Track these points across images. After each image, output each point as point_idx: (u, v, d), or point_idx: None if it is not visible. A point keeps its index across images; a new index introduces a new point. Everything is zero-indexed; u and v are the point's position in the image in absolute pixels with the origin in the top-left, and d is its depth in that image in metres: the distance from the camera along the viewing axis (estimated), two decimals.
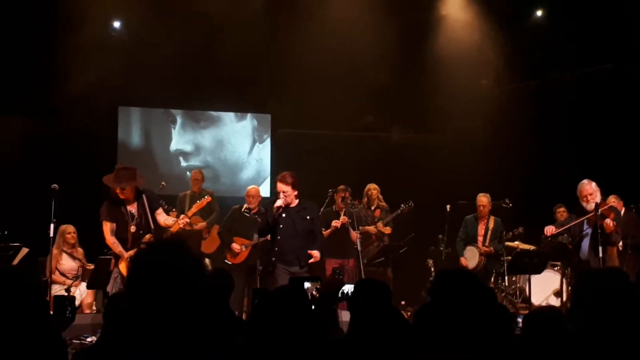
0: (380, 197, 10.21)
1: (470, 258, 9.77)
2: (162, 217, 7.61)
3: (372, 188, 10.18)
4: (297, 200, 7.61)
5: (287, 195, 7.49)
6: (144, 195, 7.52)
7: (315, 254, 7.52)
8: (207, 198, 8.44)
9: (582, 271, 3.29)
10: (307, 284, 5.40)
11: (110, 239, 7.39)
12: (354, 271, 9.18)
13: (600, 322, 2.74)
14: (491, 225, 9.81)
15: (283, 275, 7.39)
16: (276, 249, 7.53)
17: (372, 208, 10.15)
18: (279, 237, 7.56)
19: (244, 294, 9.01)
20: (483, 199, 9.85)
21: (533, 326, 3.54)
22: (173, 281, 2.15)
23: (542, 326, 3.49)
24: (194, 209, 8.42)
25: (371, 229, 9.95)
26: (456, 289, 2.91)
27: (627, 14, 10.20)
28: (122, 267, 7.37)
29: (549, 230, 8.30)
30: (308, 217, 7.66)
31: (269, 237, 7.78)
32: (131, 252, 7.27)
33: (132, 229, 7.40)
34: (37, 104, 10.68)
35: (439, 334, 2.92)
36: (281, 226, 7.54)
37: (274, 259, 7.51)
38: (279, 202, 7.47)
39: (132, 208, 7.46)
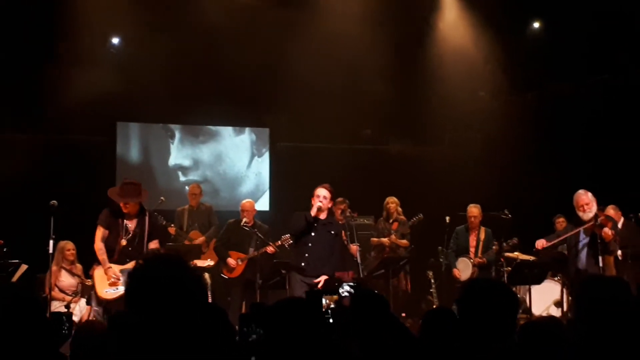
0: (400, 210, 10.30)
1: (463, 269, 9.76)
2: (153, 247, 7.55)
3: (391, 202, 10.30)
4: (325, 214, 7.86)
5: (326, 201, 7.77)
6: (147, 218, 7.51)
7: (321, 279, 7.69)
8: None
9: (584, 279, 3.26)
10: (324, 299, 5.32)
11: (98, 245, 7.41)
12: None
13: (602, 331, 2.73)
14: (482, 236, 9.83)
15: (299, 285, 7.64)
16: (307, 255, 7.73)
17: (391, 221, 10.23)
18: (310, 245, 7.78)
19: (241, 308, 9.00)
20: (474, 210, 9.87)
21: (530, 336, 3.52)
22: (171, 295, 2.15)
23: (539, 336, 3.48)
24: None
25: (385, 240, 10.09)
26: (488, 298, 2.90)
27: (624, 24, 10.22)
28: (97, 274, 7.42)
29: (540, 243, 8.31)
30: (332, 232, 7.91)
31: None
32: (114, 266, 7.33)
33: (123, 242, 7.40)
34: (35, 120, 10.71)
35: (459, 342, 2.90)
36: (313, 234, 7.78)
37: (303, 264, 7.71)
38: (318, 204, 7.72)
39: (130, 223, 7.45)
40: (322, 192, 7.81)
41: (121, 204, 7.35)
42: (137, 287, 2.22)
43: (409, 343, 3.65)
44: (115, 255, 7.41)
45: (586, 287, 2.98)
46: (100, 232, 7.43)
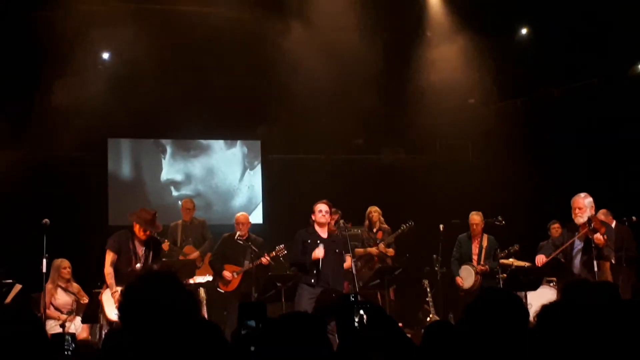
0: (382, 219, 10.28)
1: (466, 277, 9.77)
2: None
3: (373, 211, 10.27)
4: (326, 230, 8.14)
5: (328, 215, 8.11)
6: (153, 243, 7.90)
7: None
8: None
9: (570, 283, 3.22)
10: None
11: (108, 269, 7.68)
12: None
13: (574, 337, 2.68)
14: (485, 243, 9.83)
15: (308, 299, 7.75)
16: (315, 271, 7.91)
17: (375, 230, 10.20)
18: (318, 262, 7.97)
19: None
20: (476, 218, 9.87)
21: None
22: (165, 313, 2.15)
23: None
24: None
25: (373, 250, 10.07)
26: (499, 309, 2.85)
27: (611, 28, 10.27)
28: (105, 297, 7.75)
29: (540, 260, 8.29)
30: (337, 251, 8.16)
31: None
32: (118, 288, 7.57)
33: (138, 266, 7.70)
34: (25, 137, 10.65)
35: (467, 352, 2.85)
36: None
37: (313, 280, 7.89)
38: (323, 220, 8.06)
39: (140, 248, 7.76)
40: (324, 207, 8.10)
41: (142, 231, 7.68)
42: (131, 304, 2.21)
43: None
44: (126, 278, 7.60)
45: (569, 293, 2.94)
46: (110, 257, 7.71)
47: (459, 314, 8.69)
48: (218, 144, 12.75)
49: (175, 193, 12.30)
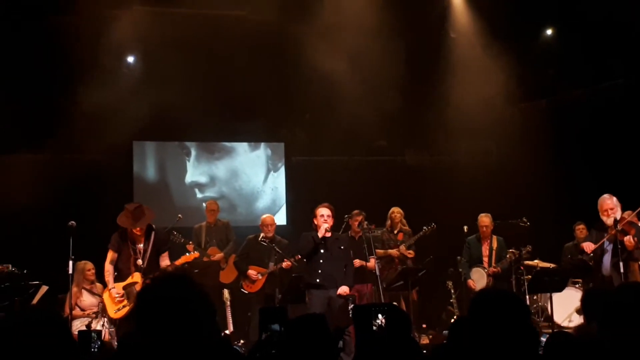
0: (404, 221, 10.25)
1: (478, 279, 9.72)
2: (164, 263, 8.01)
3: (396, 212, 10.24)
4: (330, 232, 8.13)
5: (330, 219, 8.09)
6: (153, 233, 7.94)
7: (343, 289, 7.93)
8: (195, 254, 8.79)
9: (592, 289, 3.20)
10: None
11: (107, 267, 7.95)
12: (373, 295, 9.14)
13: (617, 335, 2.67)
14: (495, 245, 9.79)
15: (318, 300, 7.85)
16: (320, 271, 7.95)
17: (395, 232, 10.17)
18: (321, 261, 8.03)
19: None
20: (485, 219, 9.84)
21: (555, 348, 3.47)
22: (178, 314, 2.16)
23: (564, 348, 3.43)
24: (182, 260, 8.55)
25: (394, 252, 10.02)
26: (499, 308, 2.84)
27: (636, 29, 10.17)
28: (105, 296, 8.00)
29: (590, 247, 8.23)
30: (342, 247, 8.16)
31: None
32: (115, 285, 7.85)
33: (139, 262, 7.83)
34: (52, 140, 10.75)
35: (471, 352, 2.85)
36: (322, 251, 8.03)
37: (318, 280, 7.91)
38: (325, 225, 8.02)
39: (140, 244, 7.89)
40: (325, 212, 8.12)
41: (134, 230, 7.80)
42: (144, 307, 2.24)
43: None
44: (130, 275, 7.87)
45: (593, 294, 2.93)
46: (110, 255, 7.95)
47: None
48: (242, 147, 12.80)
49: (199, 195, 12.36)
